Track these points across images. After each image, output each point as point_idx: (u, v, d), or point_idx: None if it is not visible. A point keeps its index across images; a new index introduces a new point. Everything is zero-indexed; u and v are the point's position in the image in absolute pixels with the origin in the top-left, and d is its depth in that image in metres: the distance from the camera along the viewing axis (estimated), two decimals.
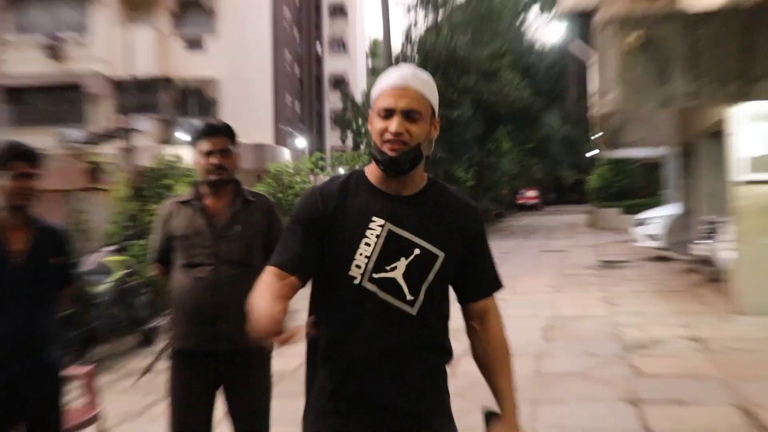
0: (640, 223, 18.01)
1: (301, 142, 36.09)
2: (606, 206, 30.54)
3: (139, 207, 11.42)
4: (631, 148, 18.72)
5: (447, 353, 2.63)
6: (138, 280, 9.47)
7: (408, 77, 2.52)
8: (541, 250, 21.07)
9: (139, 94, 27.43)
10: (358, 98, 32.09)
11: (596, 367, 7.95)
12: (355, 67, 57.35)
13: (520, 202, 59.53)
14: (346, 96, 31.80)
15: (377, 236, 2.50)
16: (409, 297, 2.51)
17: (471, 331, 2.72)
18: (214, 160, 3.91)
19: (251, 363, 3.95)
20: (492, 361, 2.66)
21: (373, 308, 2.51)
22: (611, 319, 10.40)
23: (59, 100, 29.00)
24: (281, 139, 33.41)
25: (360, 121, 30.75)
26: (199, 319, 3.89)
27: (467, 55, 29.67)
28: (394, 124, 2.48)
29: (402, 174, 2.53)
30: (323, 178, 22.09)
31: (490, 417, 2.63)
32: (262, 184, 16.80)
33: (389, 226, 2.51)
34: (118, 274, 9.15)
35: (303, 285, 2.48)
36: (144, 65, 28.33)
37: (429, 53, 29.51)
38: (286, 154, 30.97)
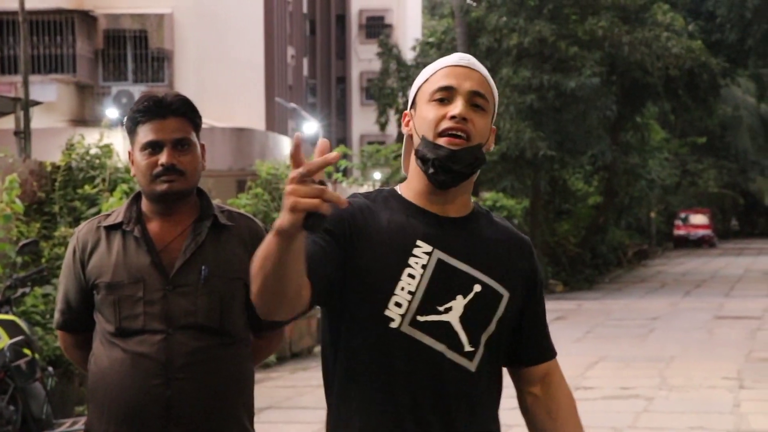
0: None
1: (310, 126, 30.54)
2: None
3: (38, 231, 10.42)
4: None
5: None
6: (32, 357, 8.05)
7: (470, 59, 2.34)
8: (715, 317, 18.55)
9: (40, 41, 24.56)
10: (408, 53, 28.18)
11: None
12: (402, 1, 48.32)
13: (680, 233, 51.51)
14: (388, 49, 26.97)
15: (423, 266, 2.25)
16: (468, 348, 2.28)
17: (530, 401, 2.46)
18: (164, 158, 3.08)
19: None
20: (560, 427, 2.45)
21: (421, 365, 2.24)
22: None
23: None
24: (277, 121, 29.20)
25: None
26: (136, 426, 3.09)
27: None
28: (456, 106, 2.24)
29: (455, 181, 2.28)
30: (347, 188, 19.73)
31: None
32: (246, 195, 13.75)
33: (438, 254, 2.27)
34: (0, 345, 7.76)
35: (313, 303, 2.14)
36: None
37: None
38: (285, 146, 25.49)
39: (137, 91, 24.91)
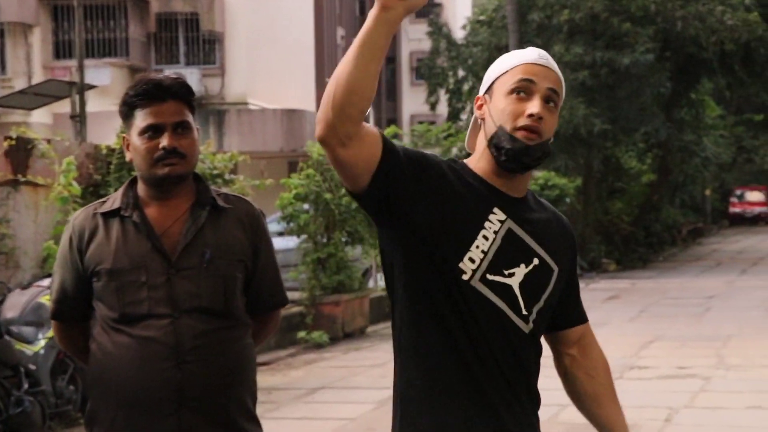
0: None
1: None
2: None
3: None
4: None
5: (538, 401, 2.56)
6: None
7: (548, 57, 2.47)
8: None
9: (94, 25, 24.27)
10: (458, 32, 28.13)
11: None
12: None
13: (735, 210, 50.19)
14: (438, 29, 27.19)
15: (495, 232, 2.40)
16: (524, 311, 2.43)
17: (569, 362, 2.62)
18: (165, 141, 3.06)
19: None
20: (600, 388, 2.61)
21: (487, 318, 2.39)
22: None
23: None
24: None
25: (461, 73, 26.16)
26: (146, 410, 3.05)
27: None
28: (536, 105, 2.38)
29: (523, 171, 2.45)
30: None
31: None
32: (298, 176, 13.52)
33: (510, 223, 2.43)
34: None
35: (381, 155, 2.27)
36: None
37: None
38: None
39: (189, 73, 24.42)
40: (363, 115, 2.17)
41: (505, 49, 23.75)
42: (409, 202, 2.33)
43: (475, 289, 2.36)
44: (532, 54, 2.44)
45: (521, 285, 2.42)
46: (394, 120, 37.12)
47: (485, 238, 2.38)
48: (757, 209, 49.40)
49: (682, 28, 23.89)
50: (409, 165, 2.33)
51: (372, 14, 2.14)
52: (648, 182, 29.38)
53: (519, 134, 2.38)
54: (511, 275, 2.41)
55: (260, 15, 25.07)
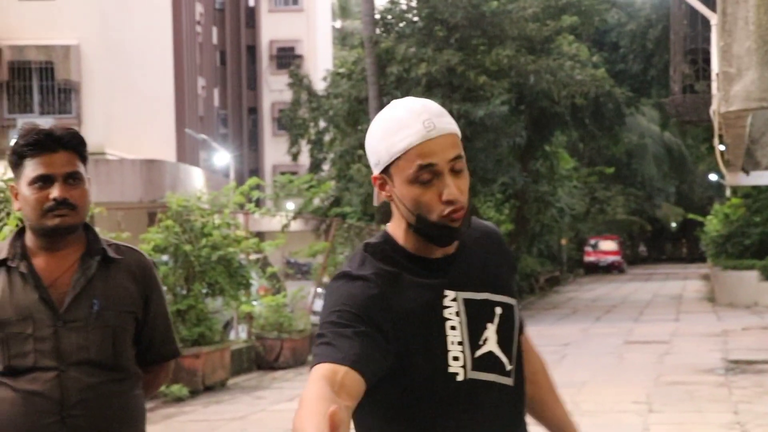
0: None
1: (222, 157, 30.88)
2: (735, 267, 27.06)
3: None
4: None
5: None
6: None
7: (433, 119, 2.25)
8: (625, 341, 18.83)
9: None
10: (319, 84, 28.56)
11: None
12: (312, 31, 47.95)
13: (590, 259, 52.02)
14: (299, 80, 27.30)
15: (457, 313, 2.32)
16: (508, 367, 2.39)
17: None
18: (56, 192, 3.00)
19: None
20: (543, 392, 2.64)
21: (488, 400, 2.35)
22: None
23: None
24: (189, 152, 30.24)
25: (322, 123, 26.04)
26: None
27: (501, 12, 25.46)
28: (449, 190, 2.23)
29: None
30: (260, 219, 18.83)
31: None
32: (157, 228, 13.40)
33: (462, 294, 2.34)
34: None
35: (364, 388, 2.15)
36: None
37: (437, 9, 24.84)
38: (197, 177, 25.97)
39: (44, 123, 24.60)
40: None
41: (365, 102, 24.23)
42: (390, 355, 2.24)
43: (473, 380, 2.30)
44: (416, 126, 2.23)
45: (498, 343, 2.36)
46: (256, 170, 37.35)
47: (453, 328, 2.31)
48: (611, 258, 51.05)
49: (534, 82, 24.58)
50: (375, 329, 2.20)
51: None
52: (506, 232, 29.69)
53: (445, 221, 2.26)
54: (485, 341, 2.35)
55: (118, 64, 25.08)
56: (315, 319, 17.61)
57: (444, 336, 2.27)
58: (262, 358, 14.10)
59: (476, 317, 2.32)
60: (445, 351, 2.27)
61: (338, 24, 49.65)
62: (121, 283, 3.09)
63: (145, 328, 3.09)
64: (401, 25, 25.07)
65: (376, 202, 2.40)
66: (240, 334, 14.50)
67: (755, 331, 19.10)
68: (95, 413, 2.96)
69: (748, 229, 27.41)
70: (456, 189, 2.21)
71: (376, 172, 2.27)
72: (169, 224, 13.04)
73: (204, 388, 11.85)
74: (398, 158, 2.22)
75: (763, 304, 23.98)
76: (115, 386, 2.97)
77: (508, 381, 2.37)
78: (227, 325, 14.55)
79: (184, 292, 12.46)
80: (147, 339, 3.09)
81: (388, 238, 2.32)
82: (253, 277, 13.65)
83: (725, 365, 14.74)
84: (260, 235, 18.73)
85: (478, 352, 2.32)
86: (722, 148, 14.09)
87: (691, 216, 41.12)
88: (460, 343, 2.28)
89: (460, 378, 2.28)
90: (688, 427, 10.55)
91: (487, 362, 2.32)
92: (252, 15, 45.77)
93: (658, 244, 65.64)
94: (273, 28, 46.56)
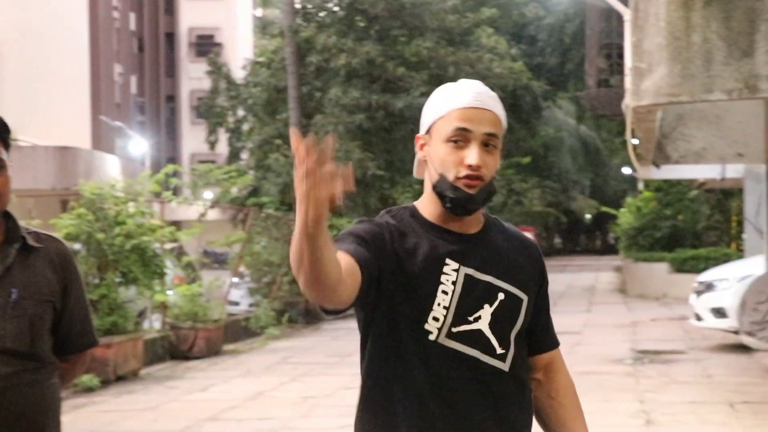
0: (702, 288, 15.62)
1: (138, 145, 30.57)
2: (646, 259, 26.84)
3: None
4: (689, 165, 16.81)
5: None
6: None
7: (483, 96, 2.44)
8: None
9: None
10: (238, 72, 27.87)
11: None
12: (232, 19, 47.52)
13: None
14: (218, 68, 27.14)
15: (453, 282, 2.44)
16: (499, 350, 2.47)
17: (533, 386, 2.64)
18: None
19: None
20: (562, 409, 2.66)
21: (458, 370, 2.43)
22: None
23: None
24: (104, 139, 30.17)
25: (241, 112, 26.51)
26: None
27: (421, 4, 25.14)
28: (473, 155, 2.39)
29: (471, 214, 2.48)
30: (177, 207, 18.44)
31: None
32: (69, 216, 13.02)
33: (465, 269, 2.46)
34: None
35: (363, 288, 2.30)
36: None
37: (357, 0, 24.74)
38: (112, 165, 25.04)
39: None
40: (340, 275, 2.14)
41: (284, 91, 24.09)
42: (381, 281, 2.36)
43: (444, 346, 2.38)
44: (467, 95, 2.41)
45: (491, 325, 2.43)
46: (173, 159, 36.93)
47: (444, 293, 2.40)
48: None
49: (454, 74, 24.40)
50: (377, 250, 2.34)
51: (298, 235, 2.08)
52: None
53: (461, 183, 2.37)
54: (476, 320, 2.42)
55: (32, 49, 24.58)
56: (230, 308, 17.52)
57: (433, 296, 2.38)
58: (176, 348, 13.98)
59: (472, 294, 2.41)
60: (429, 308, 2.37)
61: (259, 12, 49.18)
62: (41, 272, 3.03)
63: (63, 317, 3.03)
64: (322, 14, 24.99)
65: (416, 174, 2.51)
66: (154, 324, 14.33)
67: (663, 322, 19.50)
68: (11, 403, 2.90)
69: (659, 222, 27.55)
70: (480, 159, 2.34)
71: (422, 132, 2.44)
72: (82, 212, 12.87)
73: (116, 378, 11.71)
74: (441, 117, 2.38)
75: (672, 295, 24.21)
76: (30, 376, 2.91)
77: (499, 364, 2.44)
78: (142, 314, 14.40)
79: (97, 281, 12.31)
80: (65, 329, 3.04)
81: (411, 207, 2.48)
82: (168, 266, 13.51)
83: (633, 355, 15.00)
84: (177, 224, 18.47)
85: (465, 327, 2.40)
86: (635, 142, 14.31)
87: (604, 209, 41.57)
88: (445, 308, 2.38)
89: (431, 337, 2.37)
90: (596, 416, 10.45)
91: (471, 338, 2.40)
92: (171, 1, 45.45)
93: (573, 236, 65.53)
94: (192, 16, 46.16)
